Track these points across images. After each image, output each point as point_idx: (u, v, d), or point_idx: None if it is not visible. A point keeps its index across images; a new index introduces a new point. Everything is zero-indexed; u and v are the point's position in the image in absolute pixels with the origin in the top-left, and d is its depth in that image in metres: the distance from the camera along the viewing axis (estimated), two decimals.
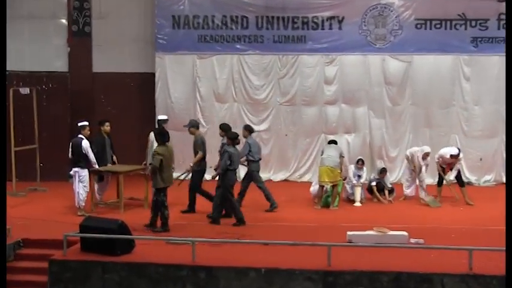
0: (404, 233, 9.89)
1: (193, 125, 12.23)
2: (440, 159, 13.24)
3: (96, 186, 12.50)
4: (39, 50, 15.70)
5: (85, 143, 11.88)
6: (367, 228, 10.12)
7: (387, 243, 9.41)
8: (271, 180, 15.65)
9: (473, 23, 15.06)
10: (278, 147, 15.83)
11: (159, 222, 10.81)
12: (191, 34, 15.58)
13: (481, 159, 15.33)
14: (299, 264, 8.92)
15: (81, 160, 11.86)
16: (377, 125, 15.59)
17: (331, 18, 15.34)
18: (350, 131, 15.67)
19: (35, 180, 14.30)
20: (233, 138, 11.47)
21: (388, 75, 15.43)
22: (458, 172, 13.17)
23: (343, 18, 15.31)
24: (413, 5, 15.19)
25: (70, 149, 12.00)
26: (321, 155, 13.20)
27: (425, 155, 13.24)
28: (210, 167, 12.44)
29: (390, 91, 15.50)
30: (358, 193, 13.14)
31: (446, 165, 13.23)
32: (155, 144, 11.40)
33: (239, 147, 11.83)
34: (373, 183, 13.43)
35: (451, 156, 13.05)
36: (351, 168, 13.39)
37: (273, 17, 15.42)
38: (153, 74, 15.71)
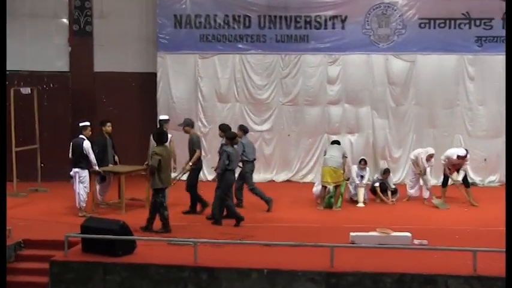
0: (408, 234, 9.82)
1: (188, 124, 12.25)
2: (447, 160, 13.13)
3: (98, 187, 12.47)
4: (40, 50, 15.63)
5: (86, 144, 11.82)
6: (370, 229, 10.08)
7: (390, 245, 9.35)
8: (273, 180, 15.63)
9: (478, 22, 14.99)
10: (280, 148, 15.76)
11: (157, 224, 10.73)
12: (193, 33, 15.53)
13: (485, 160, 15.24)
14: (302, 265, 8.88)
15: (81, 161, 11.81)
16: (380, 125, 15.52)
17: (334, 17, 15.28)
18: (353, 131, 15.60)
19: (36, 180, 14.26)
20: (231, 138, 11.43)
21: (391, 75, 15.36)
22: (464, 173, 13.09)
23: (346, 17, 15.25)
24: (417, 4, 15.12)
25: (70, 149, 11.94)
26: (324, 155, 13.17)
27: (429, 157, 13.16)
28: (212, 168, 12.40)
29: (394, 91, 15.42)
30: (361, 194, 13.09)
31: (451, 166, 13.13)
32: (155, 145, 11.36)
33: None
34: (377, 184, 13.36)
35: (458, 157, 12.95)
36: (354, 169, 13.32)
37: (275, 16, 15.37)
38: (155, 74, 15.66)
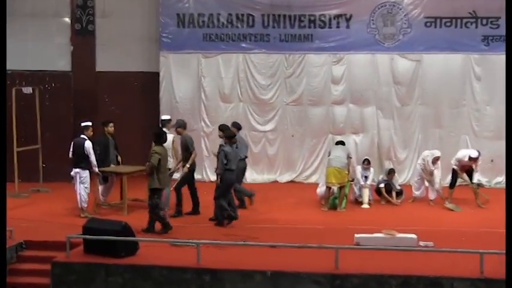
0: (413, 235, 9.72)
1: (181, 125, 12.22)
2: (457, 162, 12.98)
3: (100, 188, 12.39)
4: (42, 49, 15.56)
5: (88, 144, 11.74)
6: (375, 230, 9.98)
7: (396, 246, 9.26)
8: (277, 181, 15.56)
9: (484, 21, 14.84)
10: (284, 148, 15.67)
11: (159, 225, 10.65)
12: (196, 33, 15.45)
13: (492, 161, 15.08)
14: (306, 267, 8.82)
15: (82, 161, 11.73)
16: (385, 125, 15.41)
17: (338, 16, 15.18)
18: (358, 132, 15.50)
19: (38, 181, 14.21)
20: (230, 137, 11.37)
21: (396, 74, 15.25)
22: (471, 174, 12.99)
23: (351, 16, 15.15)
24: (423, 2, 15.00)
25: (71, 149, 11.86)
26: (328, 155, 13.11)
27: (435, 159, 13.02)
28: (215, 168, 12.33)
29: (399, 91, 15.31)
30: (366, 195, 13.01)
31: (461, 167, 12.98)
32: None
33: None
34: (382, 185, 13.25)
35: (470, 158, 12.83)
36: (359, 169, 13.22)
37: (279, 15, 15.28)
38: (158, 74, 15.58)
